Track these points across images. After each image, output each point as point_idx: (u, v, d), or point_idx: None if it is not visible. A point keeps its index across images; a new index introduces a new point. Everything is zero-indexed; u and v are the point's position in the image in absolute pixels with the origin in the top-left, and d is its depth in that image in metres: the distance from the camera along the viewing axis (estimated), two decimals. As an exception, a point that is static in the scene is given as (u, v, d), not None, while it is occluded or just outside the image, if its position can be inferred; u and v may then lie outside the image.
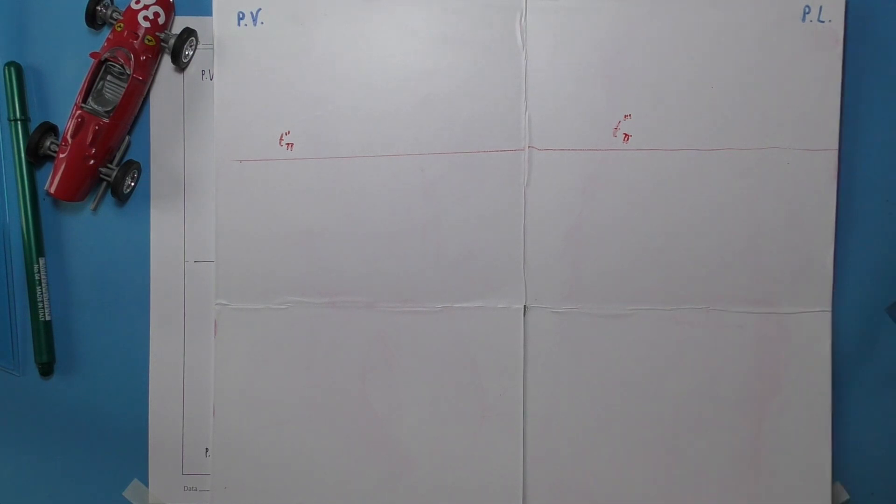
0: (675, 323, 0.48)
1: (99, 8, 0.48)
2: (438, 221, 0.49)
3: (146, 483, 0.50)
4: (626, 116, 0.48)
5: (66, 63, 0.50)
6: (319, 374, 0.49)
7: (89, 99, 0.48)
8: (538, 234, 0.49)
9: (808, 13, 0.48)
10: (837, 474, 0.49)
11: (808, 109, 0.48)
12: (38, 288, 0.49)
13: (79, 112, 0.47)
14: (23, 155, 0.49)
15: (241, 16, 0.49)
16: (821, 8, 0.48)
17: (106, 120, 0.47)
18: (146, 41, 0.48)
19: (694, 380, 0.48)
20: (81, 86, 0.48)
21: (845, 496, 0.49)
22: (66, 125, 0.48)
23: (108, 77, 0.48)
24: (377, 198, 0.49)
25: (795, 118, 0.48)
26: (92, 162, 0.47)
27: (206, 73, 0.50)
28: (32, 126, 0.49)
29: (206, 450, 0.50)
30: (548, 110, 0.49)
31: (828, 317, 0.48)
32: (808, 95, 0.48)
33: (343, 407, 0.49)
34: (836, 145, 0.48)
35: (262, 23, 0.49)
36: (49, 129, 0.49)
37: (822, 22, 0.48)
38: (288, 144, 0.49)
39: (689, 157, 0.48)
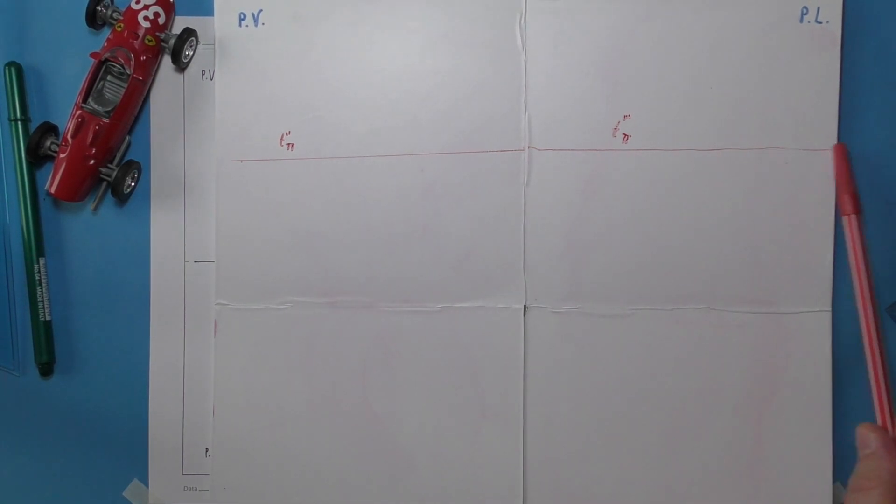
0: (676, 323, 0.48)
1: (99, 8, 0.48)
2: (438, 221, 0.49)
3: (146, 483, 0.50)
4: (625, 117, 0.48)
5: (66, 63, 0.50)
6: (319, 374, 0.49)
7: (89, 99, 0.48)
8: (538, 234, 0.49)
9: (805, 14, 0.48)
10: (837, 474, 0.49)
11: (807, 110, 0.48)
12: (38, 288, 0.49)
13: (79, 112, 0.47)
14: (23, 155, 0.49)
15: (242, 16, 0.49)
16: (818, 9, 0.48)
17: (106, 120, 0.47)
18: (146, 41, 0.48)
19: (694, 379, 0.48)
20: (81, 86, 0.48)
21: (845, 496, 0.49)
22: (66, 125, 0.48)
23: (109, 77, 0.48)
24: (377, 198, 0.49)
25: (794, 118, 0.48)
26: (92, 162, 0.48)
27: (207, 73, 0.50)
28: (32, 126, 0.49)
29: (206, 450, 0.50)
30: (547, 111, 0.49)
31: (828, 316, 0.48)
32: (806, 96, 0.48)
33: (343, 407, 0.49)
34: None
35: (263, 24, 0.49)
36: (49, 129, 0.49)
37: (820, 23, 0.48)
38: (288, 145, 0.49)
39: (688, 157, 0.48)
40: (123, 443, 0.50)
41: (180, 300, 0.50)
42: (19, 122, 0.50)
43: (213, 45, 0.50)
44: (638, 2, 0.48)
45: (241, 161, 0.49)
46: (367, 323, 0.49)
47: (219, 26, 0.49)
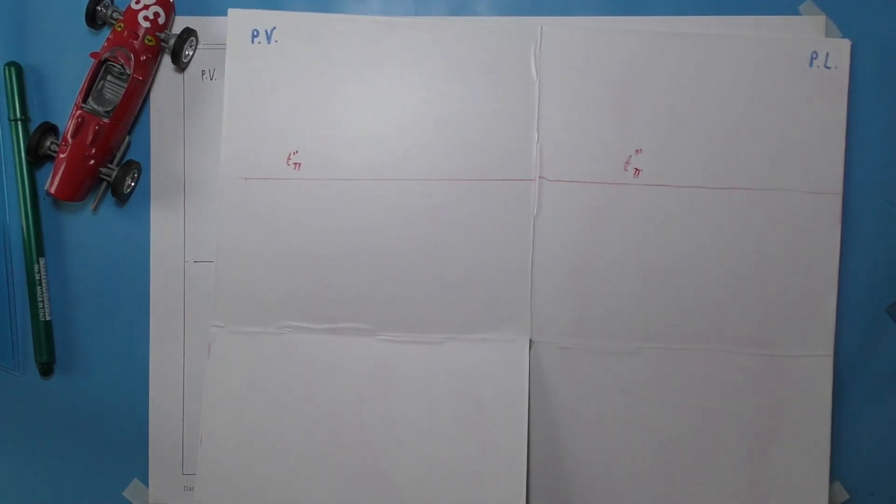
0: (680, 362, 0.48)
1: (99, 8, 0.48)
2: (445, 249, 0.48)
3: (146, 483, 0.50)
4: (637, 151, 0.48)
5: (66, 63, 0.50)
6: (315, 403, 0.48)
7: (89, 99, 0.47)
8: (546, 267, 0.48)
9: (815, 59, 0.48)
10: (837, 474, 0.49)
11: (814, 153, 0.48)
12: (38, 288, 0.49)
13: (79, 112, 0.47)
14: (23, 155, 0.49)
15: (255, 33, 0.49)
16: (827, 54, 0.48)
17: (106, 120, 0.47)
18: (146, 41, 0.48)
19: (696, 420, 0.48)
20: (81, 86, 0.48)
21: (845, 496, 0.49)
22: (67, 125, 0.48)
23: (109, 77, 0.48)
24: (383, 222, 0.48)
25: (801, 161, 0.48)
26: (92, 162, 0.47)
27: (207, 73, 0.50)
28: (32, 126, 0.49)
29: (206, 450, 0.50)
30: (559, 141, 0.48)
31: (829, 361, 0.48)
32: (813, 139, 0.48)
33: (338, 439, 0.48)
34: (840, 189, 0.48)
35: (276, 41, 0.49)
36: (49, 129, 0.49)
37: (829, 68, 0.48)
38: (295, 164, 0.49)
39: (697, 194, 0.48)
40: (123, 443, 0.50)
41: (180, 300, 0.50)
42: (19, 122, 0.50)
43: (213, 45, 0.50)
44: (652, 37, 0.48)
45: (246, 179, 0.48)
46: (367, 351, 0.48)
47: (230, 41, 0.49)
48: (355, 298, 0.48)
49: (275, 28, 0.49)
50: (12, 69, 0.49)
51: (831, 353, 0.48)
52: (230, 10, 0.49)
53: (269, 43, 0.49)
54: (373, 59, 0.49)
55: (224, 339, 0.48)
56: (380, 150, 0.48)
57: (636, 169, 0.48)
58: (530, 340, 0.48)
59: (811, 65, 0.48)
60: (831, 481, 0.48)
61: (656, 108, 0.48)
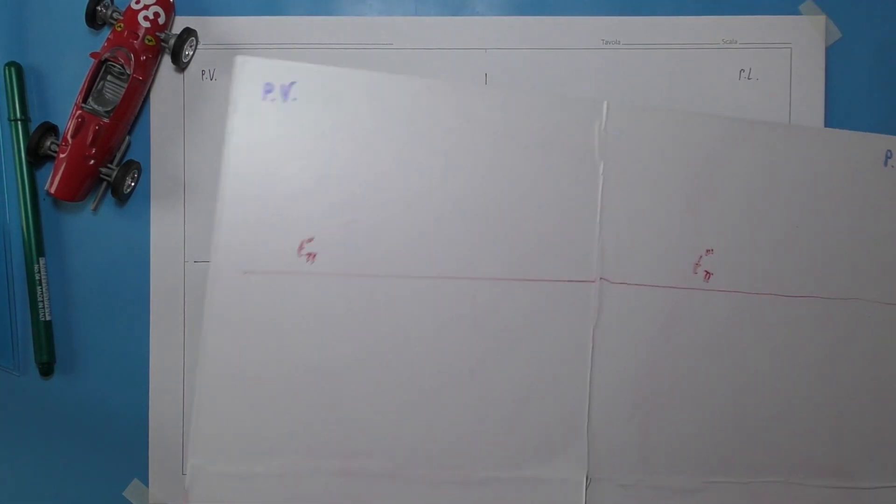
0: (750, 497, 0.43)
1: (99, 8, 0.48)
2: (489, 364, 0.41)
3: (146, 483, 0.50)
4: (707, 251, 0.43)
5: (66, 63, 0.50)
6: None
7: (89, 99, 0.47)
8: (606, 386, 0.42)
9: (889, 158, 0.45)
10: (838, 475, 0.48)
11: (889, 259, 0.44)
12: (38, 288, 0.49)
13: (79, 112, 0.47)
14: (23, 155, 0.49)
15: (268, 88, 0.41)
16: None
17: (106, 120, 0.47)
18: (146, 41, 0.48)
19: None
20: (81, 86, 0.48)
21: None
22: (66, 125, 0.48)
23: (109, 77, 0.48)
24: (415, 330, 0.41)
25: (876, 267, 0.44)
26: (92, 162, 0.47)
27: (207, 72, 0.50)
28: (32, 126, 0.49)
29: (206, 450, 0.50)
30: (624, 236, 0.42)
31: None
32: (888, 244, 0.45)
33: None
34: None
35: (294, 99, 0.41)
36: (49, 129, 0.49)
37: None
38: (309, 255, 0.41)
39: (772, 303, 0.44)
40: (123, 443, 0.50)
41: (180, 300, 0.50)
42: (19, 122, 0.50)
43: (213, 45, 0.49)
44: (730, 126, 0.44)
45: (246, 273, 0.40)
46: (390, 501, 0.40)
47: (236, 94, 0.41)
48: (376, 427, 0.41)
49: (294, 83, 0.41)
50: (12, 69, 0.49)
51: None
52: (237, 57, 0.41)
53: (284, 100, 0.41)
54: (412, 127, 0.41)
55: (204, 484, 0.40)
56: (413, 241, 0.41)
57: (706, 272, 0.43)
58: (587, 476, 0.42)
59: (885, 164, 0.45)
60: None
61: (729, 204, 0.43)
